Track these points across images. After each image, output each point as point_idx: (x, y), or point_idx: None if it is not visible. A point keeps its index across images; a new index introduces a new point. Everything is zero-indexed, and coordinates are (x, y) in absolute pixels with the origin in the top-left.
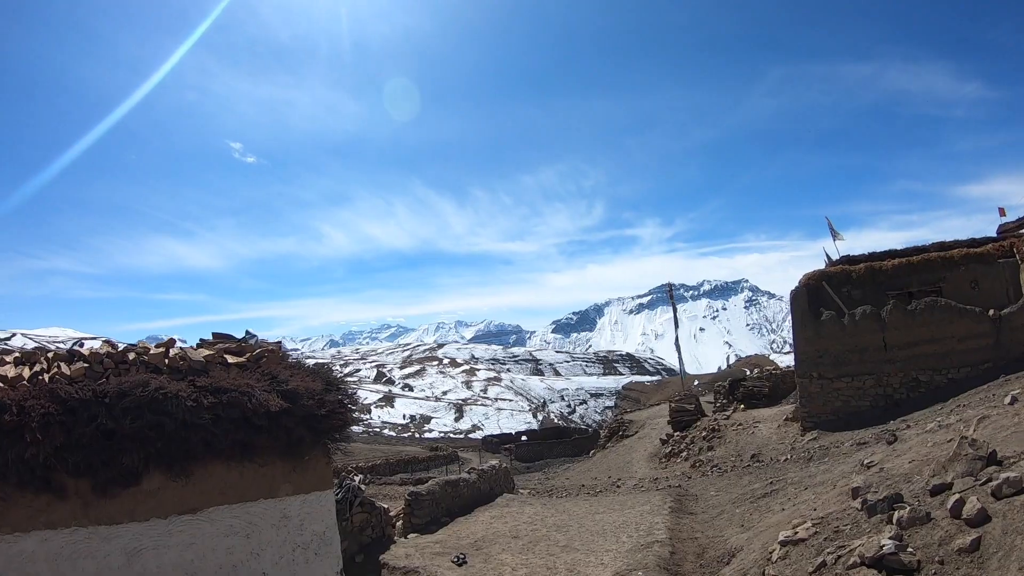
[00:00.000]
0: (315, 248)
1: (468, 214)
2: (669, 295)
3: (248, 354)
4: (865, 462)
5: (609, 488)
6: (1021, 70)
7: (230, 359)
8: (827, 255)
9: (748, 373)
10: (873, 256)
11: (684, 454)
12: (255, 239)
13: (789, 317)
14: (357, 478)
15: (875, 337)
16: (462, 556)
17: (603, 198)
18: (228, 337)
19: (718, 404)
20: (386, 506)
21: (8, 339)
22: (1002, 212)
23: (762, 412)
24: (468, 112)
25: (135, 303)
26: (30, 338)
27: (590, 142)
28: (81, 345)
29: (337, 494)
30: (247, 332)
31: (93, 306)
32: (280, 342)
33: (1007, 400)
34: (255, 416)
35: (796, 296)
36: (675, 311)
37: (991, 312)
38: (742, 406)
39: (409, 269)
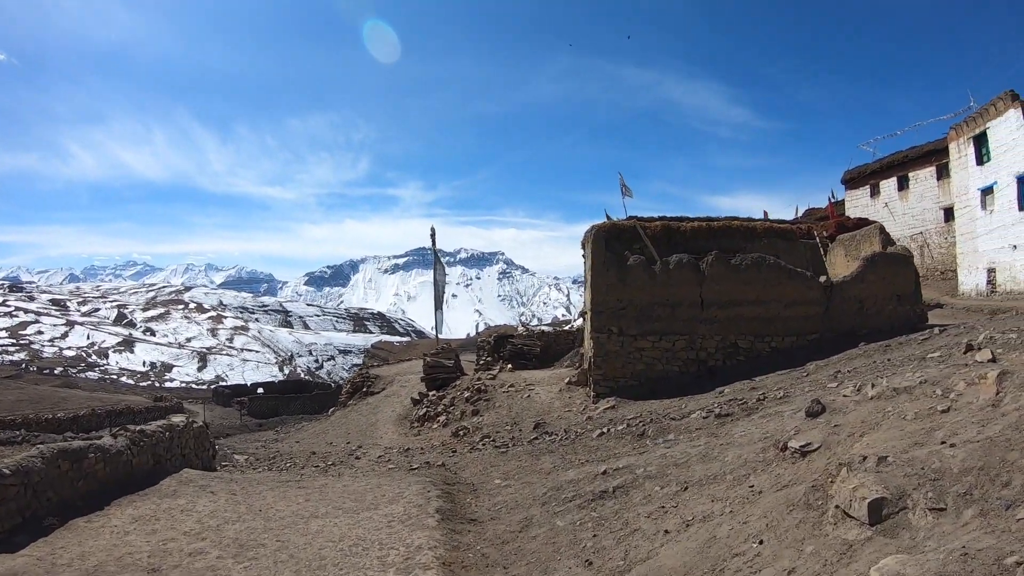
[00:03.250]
0: (60, 168)
1: (230, 152)
2: (432, 241)
3: None
4: (794, 445)
5: (346, 459)
6: (785, 107)
7: None
8: (608, 215)
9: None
10: (666, 218)
11: (443, 418)
12: None
13: (541, 291)
14: None
15: (691, 291)
16: None
17: (370, 154)
18: None
19: (481, 362)
20: None
21: None
22: (766, 215)
23: (534, 374)
24: (244, 43)
25: None
26: None
27: (369, 96)
28: None
29: None
30: None
31: None
32: None
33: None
34: None
35: (596, 237)
36: (437, 261)
37: (823, 279)
38: (509, 366)
39: (161, 203)
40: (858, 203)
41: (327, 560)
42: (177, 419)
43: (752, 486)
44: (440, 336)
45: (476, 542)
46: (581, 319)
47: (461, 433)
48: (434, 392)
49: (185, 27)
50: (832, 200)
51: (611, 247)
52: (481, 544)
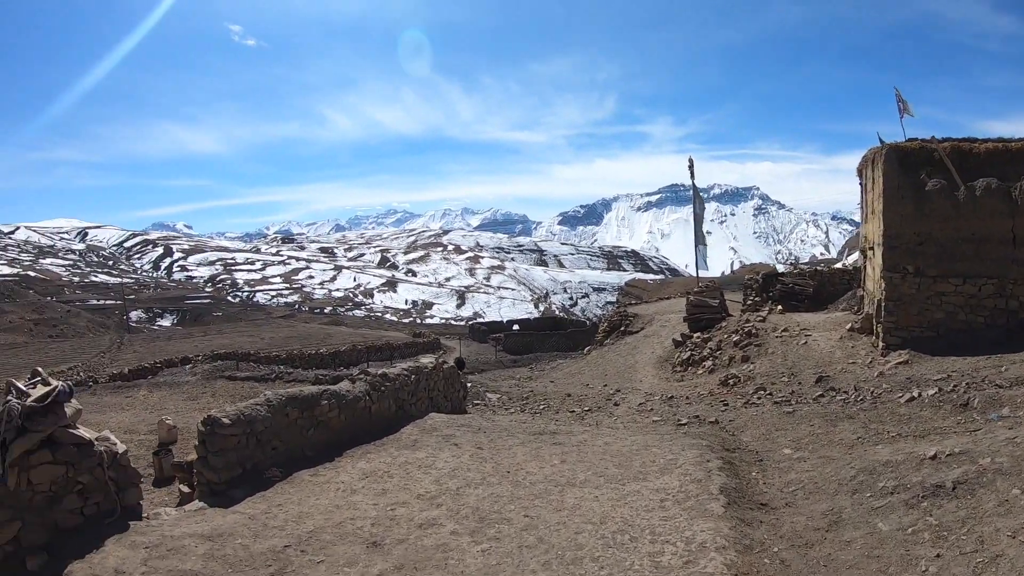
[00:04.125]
0: (320, 132)
1: (476, 101)
2: (691, 173)
3: None
4: None
5: (603, 405)
6: None
7: None
8: (880, 139)
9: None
10: (952, 139)
11: (708, 363)
12: (259, 123)
13: (799, 227)
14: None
15: (1001, 224)
16: None
17: (616, 92)
18: None
19: (748, 303)
20: (117, 444)
21: (12, 232)
22: None
23: (807, 317)
24: None
25: (141, 190)
26: (34, 230)
27: (607, 34)
28: None
29: None
30: None
31: (99, 194)
32: None
33: None
34: None
35: (887, 157)
36: (696, 194)
37: None
38: (779, 307)
39: (415, 155)
40: None
41: (584, 551)
42: (426, 360)
43: None
44: (700, 273)
45: (771, 540)
46: (859, 256)
47: (731, 382)
48: (698, 334)
49: None
50: None
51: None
52: (778, 544)
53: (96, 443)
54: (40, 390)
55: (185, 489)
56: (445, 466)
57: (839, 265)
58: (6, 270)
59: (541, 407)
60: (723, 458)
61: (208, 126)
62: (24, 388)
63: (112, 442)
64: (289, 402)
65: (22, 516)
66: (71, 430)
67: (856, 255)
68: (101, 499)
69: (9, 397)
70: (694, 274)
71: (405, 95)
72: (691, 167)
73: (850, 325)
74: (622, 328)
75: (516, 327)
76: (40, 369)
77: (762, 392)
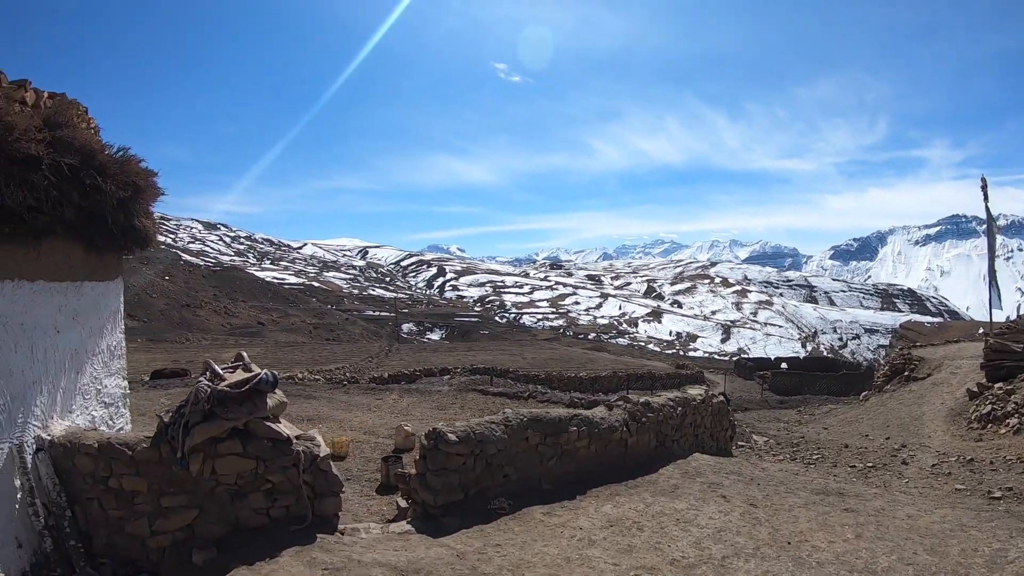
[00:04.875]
0: (586, 162)
1: (741, 128)
2: (984, 195)
3: None
4: None
5: (889, 462)
6: None
7: None
8: None
9: None
10: None
11: (1013, 421)
12: (527, 155)
13: None
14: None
15: None
16: None
17: (886, 113)
18: None
19: None
20: (320, 446)
21: (300, 248)
22: None
23: None
24: (739, 20)
25: (417, 215)
26: (320, 247)
27: (872, 51)
28: None
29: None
30: None
31: (378, 219)
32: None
33: None
34: None
35: None
36: (991, 221)
37: None
38: None
39: (681, 185)
40: None
41: None
42: (694, 391)
43: None
44: (993, 315)
45: None
46: None
47: None
48: (999, 384)
49: (674, 20)
50: None
51: None
52: None
53: (296, 442)
54: (238, 375)
55: (403, 503)
56: (709, 524)
57: None
58: (293, 280)
59: (815, 457)
60: None
61: (478, 157)
62: (221, 371)
63: (315, 443)
64: (531, 424)
65: (201, 504)
66: (269, 423)
67: None
68: (292, 503)
69: (201, 378)
70: (975, 318)
71: (669, 124)
72: (984, 188)
73: None
74: (905, 373)
75: (784, 365)
76: (244, 353)
77: None
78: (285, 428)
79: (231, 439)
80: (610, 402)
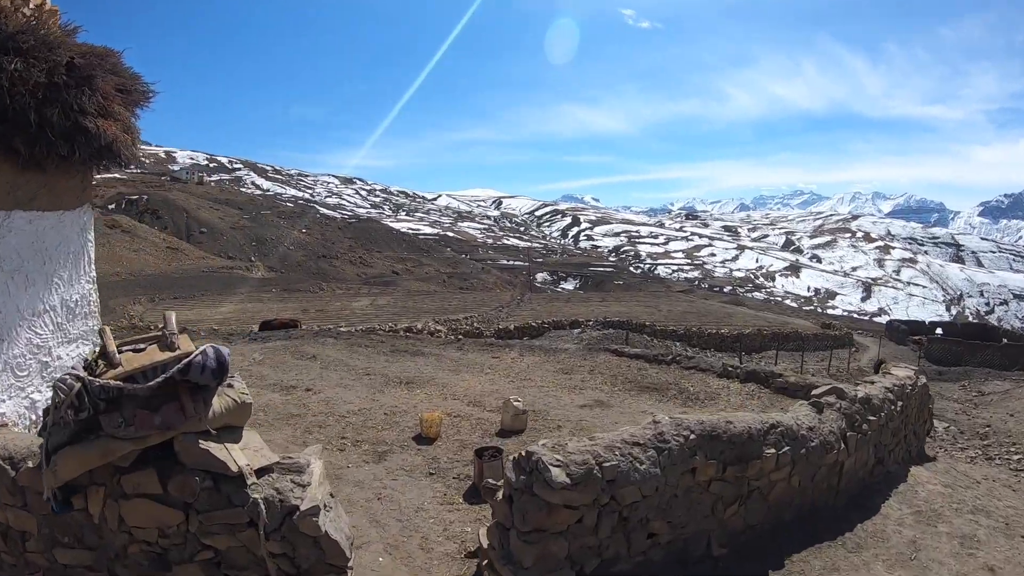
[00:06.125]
0: (719, 110)
1: (881, 72)
2: None
3: None
4: None
5: None
6: None
7: None
8: None
9: None
10: None
11: None
12: (659, 102)
13: None
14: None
15: None
16: None
17: None
18: None
19: None
20: (306, 489)
21: (435, 199)
22: None
23: None
24: None
25: (550, 165)
26: (455, 198)
27: None
28: None
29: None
30: None
31: (511, 169)
32: None
33: None
34: None
35: None
36: None
37: None
38: None
39: (819, 132)
40: None
41: None
42: (901, 372)
43: None
44: None
45: None
46: None
47: None
48: None
49: None
50: None
51: None
52: None
53: (251, 477)
54: (149, 356)
55: (485, 542)
56: None
57: None
58: (428, 230)
59: (1016, 457)
60: None
61: (610, 106)
62: (115, 349)
63: (300, 479)
64: (702, 443)
65: (110, 569)
66: (205, 445)
67: None
68: None
69: (74, 367)
70: None
71: (805, 68)
72: None
73: None
74: None
75: (940, 331)
76: (171, 315)
77: None
78: (237, 454)
79: (141, 469)
80: (819, 398)
